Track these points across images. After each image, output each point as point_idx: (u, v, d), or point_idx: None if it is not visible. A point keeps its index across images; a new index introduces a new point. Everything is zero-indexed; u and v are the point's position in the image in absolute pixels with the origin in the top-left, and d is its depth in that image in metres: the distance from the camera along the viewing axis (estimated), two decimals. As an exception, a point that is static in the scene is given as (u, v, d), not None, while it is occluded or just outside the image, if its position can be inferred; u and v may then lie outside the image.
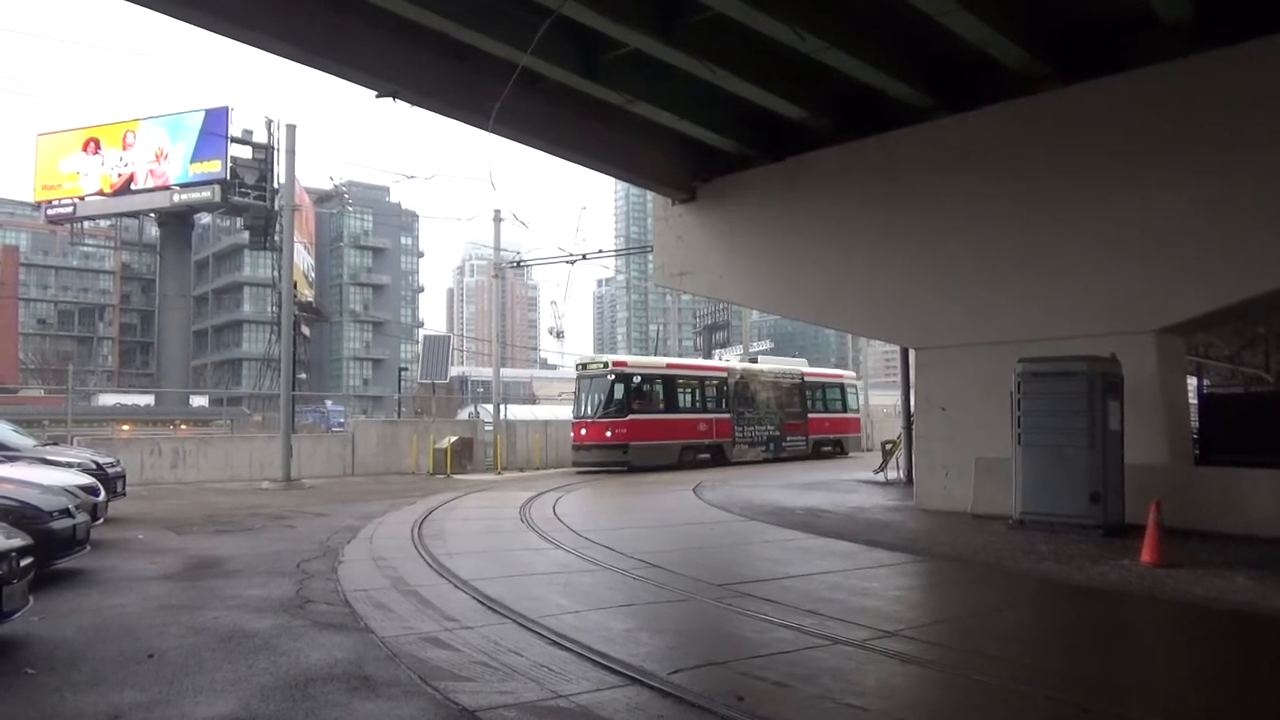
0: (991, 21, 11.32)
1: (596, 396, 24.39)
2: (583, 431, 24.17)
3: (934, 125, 14.02)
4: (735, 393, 27.06)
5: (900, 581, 8.93)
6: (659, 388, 25.15)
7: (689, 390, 26.15)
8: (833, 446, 30.86)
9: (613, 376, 24.22)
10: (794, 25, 11.39)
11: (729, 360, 29.96)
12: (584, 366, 26.04)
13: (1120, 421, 11.27)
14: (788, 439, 28.69)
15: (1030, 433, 11.42)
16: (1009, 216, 13.37)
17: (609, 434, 23.46)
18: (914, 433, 16.47)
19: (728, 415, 26.59)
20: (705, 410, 26.18)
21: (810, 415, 30.00)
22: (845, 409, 32.43)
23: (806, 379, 30.82)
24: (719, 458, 25.92)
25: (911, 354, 16.93)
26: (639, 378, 24.74)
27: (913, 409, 16.79)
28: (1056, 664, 5.86)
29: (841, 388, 32.83)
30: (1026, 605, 8.01)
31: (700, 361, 31.89)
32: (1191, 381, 19.29)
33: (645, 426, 23.97)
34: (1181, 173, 11.72)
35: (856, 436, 32.68)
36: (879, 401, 47.43)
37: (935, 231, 14.23)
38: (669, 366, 27.04)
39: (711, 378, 27.16)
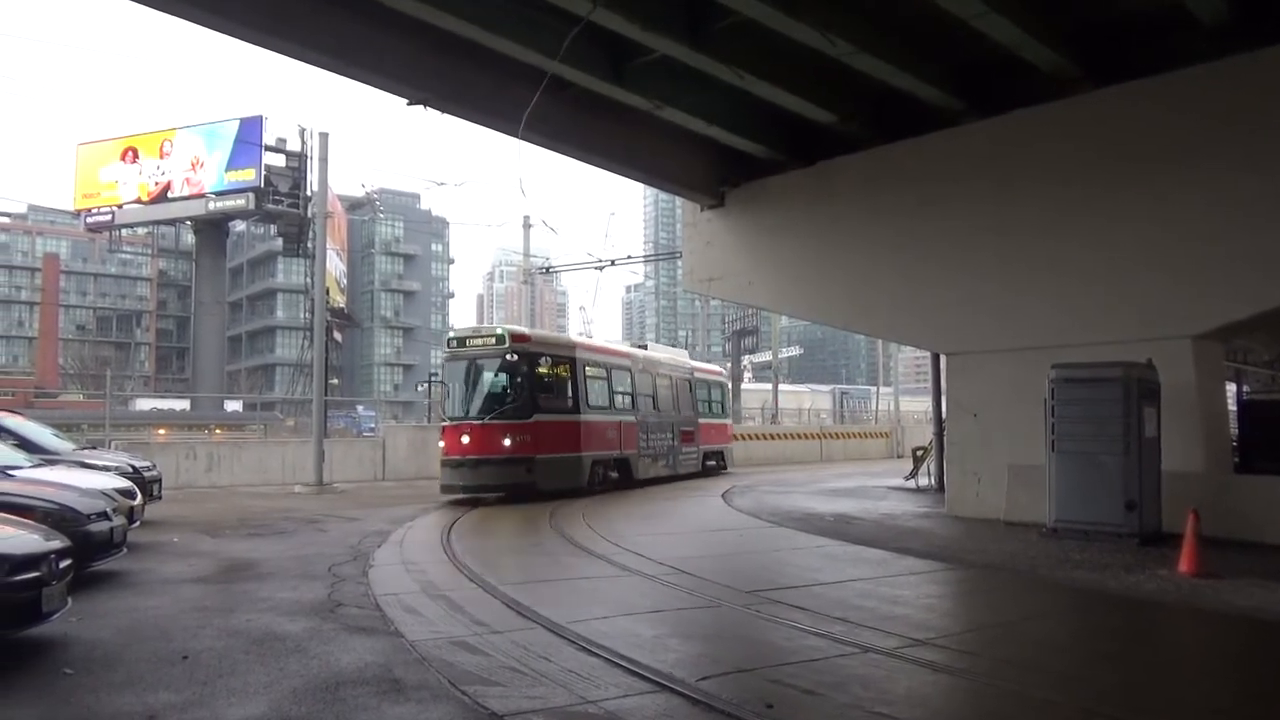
0: (1023, 24, 11.21)
1: (486, 386, 17.08)
2: (464, 439, 16.23)
3: (964, 129, 13.91)
4: (638, 388, 20.59)
5: (931, 589, 8.85)
6: (567, 378, 17.78)
7: (598, 383, 19.05)
8: (716, 460, 25.20)
9: (514, 357, 16.52)
10: (823, 29, 11.34)
11: (626, 346, 23.59)
12: (460, 342, 17.59)
13: (1157, 428, 11.10)
14: (683, 450, 22.63)
15: (1064, 439, 11.27)
16: (1041, 221, 13.22)
17: (508, 442, 16.06)
18: (945, 439, 16.33)
19: (633, 418, 19.93)
20: (613, 410, 19.31)
21: (700, 420, 24.17)
22: (724, 413, 27.23)
23: (696, 375, 24.98)
24: (625, 476, 19.37)
25: (943, 359, 16.80)
26: (548, 361, 17.36)
27: (944, 415, 16.65)
28: (1090, 674, 5.77)
29: (722, 387, 27.79)
30: (1060, 614, 7.90)
31: (608, 344, 23.90)
32: (1230, 388, 18.96)
33: (554, 433, 16.90)
34: (1217, 176, 11.54)
35: (731, 448, 26.90)
36: (909, 407, 47.15)
37: (966, 236, 14.11)
38: (578, 347, 19.19)
39: (620, 367, 20.12)
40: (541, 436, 16.52)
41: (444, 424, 17.36)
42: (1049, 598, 8.41)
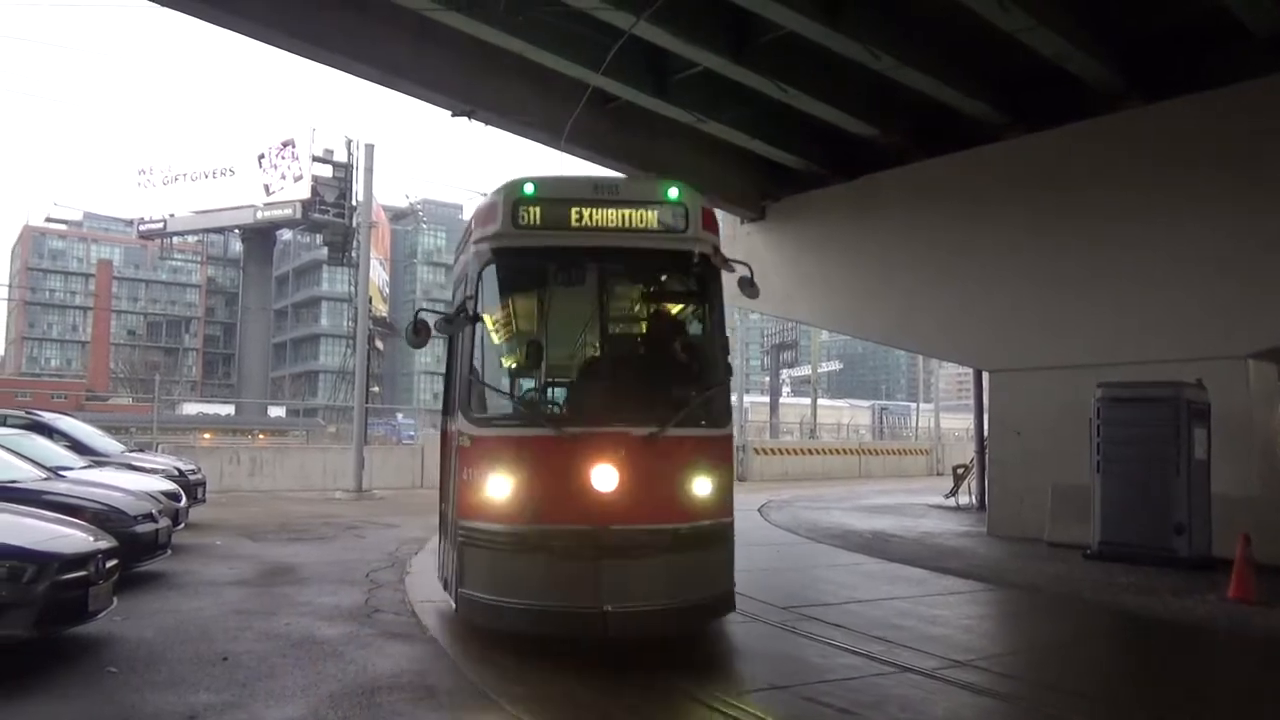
0: (1069, 37, 11.07)
1: (643, 337, 7.17)
2: (604, 479, 5.71)
3: (1008, 144, 13.73)
4: None
5: (971, 610, 8.70)
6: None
7: None
8: None
9: (700, 268, 6.44)
10: (867, 44, 11.30)
11: None
12: (561, 214, 6.20)
13: (1207, 450, 10.83)
14: None
15: (1110, 460, 11.04)
16: (1088, 237, 12.99)
17: (708, 489, 6.21)
18: (987, 457, 16.08)
19: None
20: None
21: None
22: None
23: None
24: None
25: (985, 376, 16.57)
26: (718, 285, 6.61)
27: (986, 433, 16.41)
28: (1134, 700, 5.63)
29: None
30: (1104, 638, 7.74)
31: None
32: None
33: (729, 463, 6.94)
34: (1272, 190, 11.26)
35: None
36: (950, 425, 46.51)
37: (1011, 252, 13.91)
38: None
39: None
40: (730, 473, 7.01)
41: (486, 433, 6.24)
42: (1093, 621, 8.23)
